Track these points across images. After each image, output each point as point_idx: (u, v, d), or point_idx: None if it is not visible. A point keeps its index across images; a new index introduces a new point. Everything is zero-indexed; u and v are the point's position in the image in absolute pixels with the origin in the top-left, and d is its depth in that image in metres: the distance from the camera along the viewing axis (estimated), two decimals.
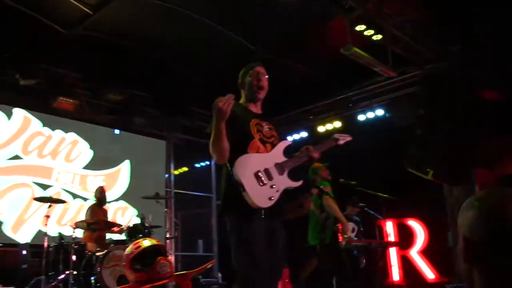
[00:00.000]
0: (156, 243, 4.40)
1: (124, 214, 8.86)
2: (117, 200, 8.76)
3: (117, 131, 9.17)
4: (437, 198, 7.62)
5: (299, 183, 3.07)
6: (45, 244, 6.13)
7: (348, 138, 3.38)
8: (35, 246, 6.84)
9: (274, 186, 2.92)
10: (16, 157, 7.76)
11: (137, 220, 8.47)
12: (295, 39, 7.05)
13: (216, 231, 10.05)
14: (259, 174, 2.90)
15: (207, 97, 8.17)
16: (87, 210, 7.08)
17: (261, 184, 2.87)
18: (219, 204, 8.70)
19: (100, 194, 7.14)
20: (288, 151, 3.11)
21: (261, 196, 2.85)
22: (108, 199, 7.40)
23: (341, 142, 3.35)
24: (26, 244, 7.05)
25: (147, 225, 6.51)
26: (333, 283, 5.50)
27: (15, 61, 7.28)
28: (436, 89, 6.64)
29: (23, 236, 7.55)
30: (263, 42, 7.10)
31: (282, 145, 3.09)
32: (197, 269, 4.33)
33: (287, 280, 5.28)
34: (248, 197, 2.81)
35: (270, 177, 2.92)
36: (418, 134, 6.92)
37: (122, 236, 6.79)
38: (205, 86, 7.99)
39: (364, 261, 6.79)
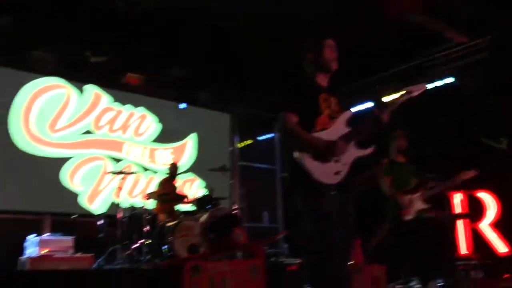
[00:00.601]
0: (231, 213, 4.46)
1: (191, 186, 9.07)
2: (185, 172, 8.93)
3: (182, 105, 9.32)
4: (509, 168, 7.27)
5: (369, 150, 2.97)
6: (119, 214, 6.45)
7: (423, 88, 3.10)
8: (109, 217, 7.14)
9: (340, 160, 2.86)
10: (89, 132, 8.08)
11: (204, 192, 8.80)
12: (360, 5, 6.83)
13: (281, 204, 10.09)
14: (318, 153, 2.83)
15: (271, 70, 8.24)
16: (159, 183, 7.29)
17: (324, 161, 2.82)
18: (283, 177, 8.74)
19: (173, 170, 7.31)
20: (352, 122, 2.99)
21: (326, 172, 2.81)
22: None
23: (415, 93, 3.07)
24: (101, 214, 7.34)
25: (214, 196, 6.63)
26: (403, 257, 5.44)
27: (86, 39, 7.45)
28: (509, 54, 6.27)
29: (98, 207, 7.91)
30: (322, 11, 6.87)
31: (344, 116, 2.99)
32: (270, 238, 4.36)
33: (359, 250, 5.22)
34: (314, 176, 2.78)
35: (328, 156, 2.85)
36: (491, 102, 6.60)
37: (191, 207, 6.99)
38: (269, 59, 7.89)
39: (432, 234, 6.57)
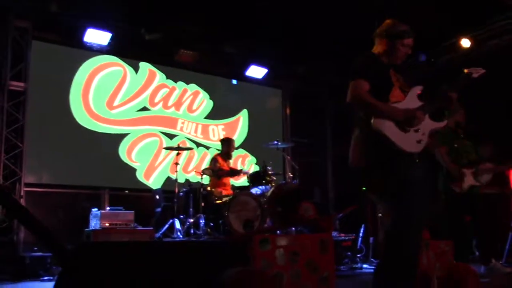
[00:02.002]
0: (298, 187, 4.43)
1: (244, 162, 9.14)
2: (237, 148, 8.84)
3: (234, 81, 9.33)
4: None
5: (444, 123, 3.03)
6: (176, 189, 6.52)
7: (482, 71, 3.14)
8: (166, 192, 7.27)
9: (419, 130, 2.88)
10: (144, 109, 8.20)
11: (257, 168, 8.83)
12: None
13: (331, 180, 10.03)
14: (398, 122, 2.85)
15: (322, 45, 8.07)
16: (212, 159, 7.31)
17: (404, 131, 2.85)
18: (334, 153, 8.56)
19: (227, 146, 7.28)
20: (422, 97, 3.03)
21: (408, 141, 2.83)
22: None
23: (475, 75, 3.12)
24: (159, 189, 7.48)
25: (270, 172, 6.61)
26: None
27: (141, 17, 7.56)
28: None
29: (155, 182, 8.06)
30: None
31: (415, 91, 3.02)
32: (339, 212, 4.32)
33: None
34: (396, 145, 2.79)
35: (408, 126, 2.89)
36: None
37: (245, 183, 7.06)
38: (320, 35, 7.82)
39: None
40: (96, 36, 7.50)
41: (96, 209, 6.19)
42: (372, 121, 2.84)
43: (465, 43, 7.92)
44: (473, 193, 5.44)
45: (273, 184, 6.52)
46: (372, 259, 6.95)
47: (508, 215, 6.86)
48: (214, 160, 7.19)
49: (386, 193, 2.87)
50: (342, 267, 6.44)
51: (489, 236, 5.48)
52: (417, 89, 3.03)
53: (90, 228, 5.76)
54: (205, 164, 8.24)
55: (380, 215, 7.01)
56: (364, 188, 3.06)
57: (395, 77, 3.06)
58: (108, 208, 6.57)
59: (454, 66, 8.09)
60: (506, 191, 7.30)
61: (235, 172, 7.10)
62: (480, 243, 5.53)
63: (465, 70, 3.15)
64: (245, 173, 7.12)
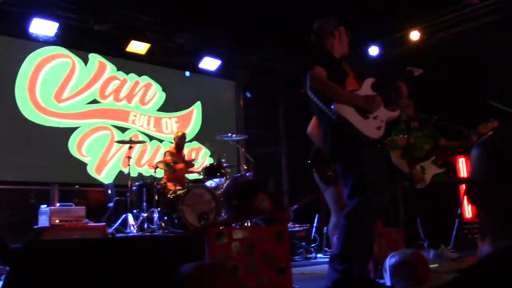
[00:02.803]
0: (253, 179, 4.44)
1: (198, 155, 9.05)
2: (190, 141, 8.90)
3: (187, 73, 9.22)
4: None
5: (398, 112, 3.23)
6: (129, 183, 6.42)
7: (420, 71, 3.37)
8: (118, 186, 7.15)
9: (377, 117, 3.00)
10: (95, 101, 7.98)
11: (211, 160, 8.78)
12: None
13: (286, 171, 10.09)
14: (359, 109, 2.97)
15: (274, 35, 8.08)
16: (165, 152, 7.26)
17: (365, 117, 2.96)
18: (289, 143, 8.62)
19: (180, 140, 7.29)
20: (374, 87, 3.16)
21: (370, 127, 2.94)
22: None
23: (416, 73, 3.34)
24: (110, 183, 7.31)
25: (224, 164, 6.61)
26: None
27: (89, 6, 7.36)
28: None
29: (107, 176, 7.88)
30: None
31: (368, 81, 3.14)
32: (294, 203, 4.35)
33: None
34: (358, 131, 2.89)
35: (368, 111, 3.00)
36: (501, 65, 6.49)
37: (199, 176, 6.93)
38: (272, 25, 7.81)
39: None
40: (42, 26, 7.19)
41: (45, 205, 5.99)
42: (333, 107, 2.90)
43: (414, 35, 8.12)
44: (435, 184, 5.54)
45: (228, 177, 6.52)
46: (326, 249, 7.05)
47: (455, 203, 7.11)
48: (167, 153, 7.15)
49: (347, 181, 2.95)
50: (296, 257, 6.51)
51: (436, 223, 5.64)
52: (370, 80, 3.14)
53: (39, 226, 5.57)
54: (159, 157, 8.11)
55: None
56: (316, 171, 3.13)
57: (347, 68, 3.20)
58: (58, 204, 6.37)
59: (405, 57, 8.30)
60: (453, 178, 7.55)
61: (189, 165, 7.07)
62: (429, 230, 5.67)
63: (408, 68, 3.37)
64: (199, 166, 7.09)
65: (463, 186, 8.09)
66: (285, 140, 10.25)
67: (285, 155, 10.20)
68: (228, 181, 6.18)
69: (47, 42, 7.50)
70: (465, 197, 8.10)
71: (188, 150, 8.55)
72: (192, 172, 7.28)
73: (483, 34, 7.36)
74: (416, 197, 5.56)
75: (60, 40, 7.59)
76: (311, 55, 3.17)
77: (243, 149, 8.01)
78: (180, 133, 7.42)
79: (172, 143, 7.51)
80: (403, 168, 5.47)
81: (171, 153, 7.13)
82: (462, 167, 8.63)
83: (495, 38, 6.93)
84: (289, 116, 10.11)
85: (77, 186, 7.70)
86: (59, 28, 7.31)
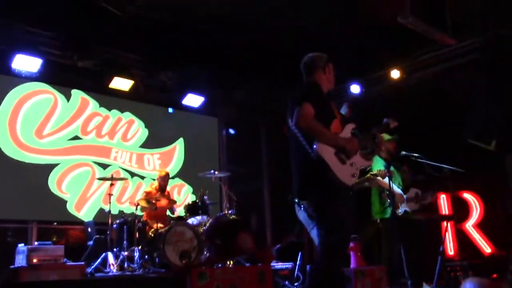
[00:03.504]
0: (236, 218, 4.41)
1: (180, 192, 9.00)
2: (172, 178, 8.83)
3: (170, 110, 9.26)
4: (494, 169, 7.34)
5: (371, 162, 3.55)
6: (109, 221, 6.34)
7: (396, 123, 3.57)
8: (98, 224, 7.04)
9: (353, 164, 3.05)
10: (76, 138, 7.94)
11: (193, 197, 8.74)
12: (348, 9, 6.86)
13: (268, 206, 10.06)
14: (339, 152, 3.01)
15: (259, 72, 8.22)
16: (147, 189, 7.20)
17: (342, 162, 2.99)
18: (271, 178, 8.62)
19: (163, 181, 7.27)
20: (354, 133, 3.25)
21: (345, 173, 2.97)
22: None
23: (392, 125, 3.54)
24: (90, 221, 7.20)
25: (206, 201, 6.61)
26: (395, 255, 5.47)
27: (73, 43, 7.40)
28: (500, 57, 6.34)
29: (87, 214, 7.76)
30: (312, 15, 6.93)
31: (350, 127, 3.21)
32: (279, 242, 4.32)
33: (359, 254, 5.24)
34: (334, 175, 2.92)
35: (347, 156, 3.05)
36: (479, 103, 6.63)
37: (181, 213, 6.96)
38: (256, 62, 7.92)
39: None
40: (25, 62, 7.14)
41: (22, 244, 5.85)
42: (315, 147, 2.93)
43: (395, 74, 8.29)
44: (406, 218, 5.63)
45: (210, 214, 6.50)
46: None
47: (437, 240, 7.13)
48: (149, 190, 7.11)
49: (322, 218, 3.02)
50: None
51: (419, 261, 5.64)
52: (351, 126, 3.21)
53: (16, 265, 5.42)
54: (140, 194, 8.02)
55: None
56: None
57: (335, 109, 3.26)
58: (36, 243, 6.28)
59: (385, 96, 8.47)
60: (434, 216, 7.61)
61: (170, 203, 7.01)
62: (411, 268, 5.67)
63: (385, 119, 3.55)
64: (180, 203, 7.04)
65: (445, 223, 8.15)
66: (267, 177, 10.23)
67: (268, 192, 10.17)
68: (210, 220, 6.14)
69: (29, 78, 7.49)
70: (447, 234, 8.16)
71: (170, 187, 8.46)
72: (173, 210, 7.21)
73: (460, 73, 7.56)
74: (398, 234, 5.57)
75: (43, 76, 7.58)
76: (300, 89, 3.20)
77: (225, 186, 7.97)
78: (163, 173, 7.37)
79: (154, 180, 7.45)
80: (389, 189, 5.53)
81: (152, 190, 7.11)
82: (444, 204, 8.73)
83: (471, 77, 7.12)
84: (272, 152, 10.13)
85: (55, 224, 7.58)
86: (42, 64, 7.28)
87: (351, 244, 4.88)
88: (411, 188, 5.96)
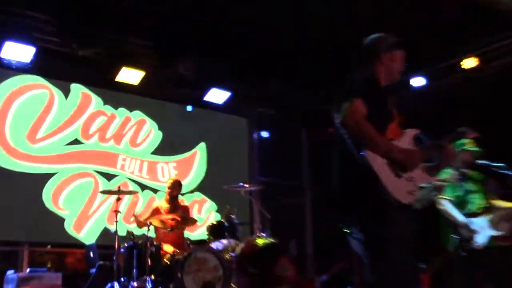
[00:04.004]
0: (273, 241, 4.39)
1: (201, 209, 9.12)
2: (191, 192, 8.99)
3: (189, 108, 9.38)
4: None
5: (435, 178, 3.30)
6: (116, 244, 6.40)
7: (476, 134, 3.56)
8: (102, 247, 7.21)
9: (412, 179, 3.00)
10: (76, 142, 8.15)
11: (218, 216, 8.87)
12: None
13: (310, 227, 10.12)
14: (393, 164, 2.97)
15: (295, 64, 8.17)
16: (157, 206, 7.28)
17: (397, 175, 2.96)
18: (314, 194, 8.59)
19: (175, 189, 7.23)
20: (416, 141, 3.20)
21: (400, 189, 2.92)
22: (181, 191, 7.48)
23: (470, 136, 3.57)
24: (93, 244, 7.35)
25: (234, 221, 6.67)
26: None
27: (72, 28, 7.58)
28: None
29: (88, 235, 7.94)
30: None
31: (411, 133, 3.18)
32: (326, 272, 4.27)
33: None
34: (386, 190, 2.89)
35: (403, 169, 3.00)
36: None
37: (202, 236, 7.08)
38: (294, 53, 8.04)
39: None
40: (16, 51, 7.35)
41: (12, 271, 6.05)
42: (363, 154, 2.93)
43: (469, 63, 8.26)
44: (490, 247, 5.47)
45: (238, 237, 6.53)
46: None
47: None
48: (162, 206, 7.17)
49: (367, 244, 3.01)
50: None
51: None
52: (413, 132, 3.17)
53: None
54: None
55: None
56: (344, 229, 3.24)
57: (394, 107, 3.21)
58: (27, 269, 6.43)
59: (455, 89, 8.42)
60: None
61: (189, 222, 7.04)
62: None
63: (461, 129, 3.46)
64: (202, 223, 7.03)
65: None
66: (309, 191, 10.29)
67: (310, 209, 10.23)
68: (240, 243, 6.21)
69: (21, 69, 7.70)
70: None
71: (189, 203, 8.57)
72: (194, 229, 7.28)
73: None
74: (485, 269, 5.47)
75: (37, 67, 7.77)
76: (351, 82, 3.16)
77: (257, 203, 8.01)
78: (171, 181, 7.34)
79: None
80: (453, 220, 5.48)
81: (166, 207, 7.15)
82: None
83: None
84: (315, 160, 10.07)
85: (49, 247, 7.77)
86: (36, 54, 7.47)
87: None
88: None
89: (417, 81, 8.78)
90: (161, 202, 7.27)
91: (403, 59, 3.37)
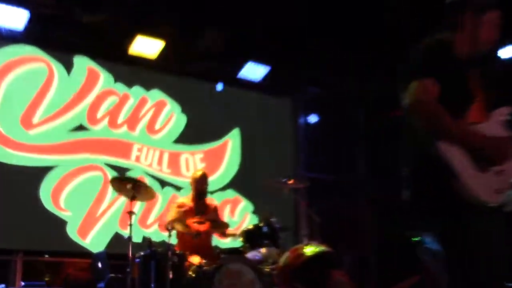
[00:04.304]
0: (325, 249, 4.33)
1: (234, 210, 9.04)
2: (223, 189, 8.89)
3: (219, 87, 9.29)
4: None
5: None
6: (129, 253, 6.17)
7: None
8: (113, 256, 7.09)
9: (502, 173, 2.90)
10: (81, 128, 8.08)
11: (255, 219, 8.81)
12: None
13: (370, 234, 9.96)
14: (475, 155, 2.87)
15: (350, 34, 8.04)
16: (179, 206, 7.09)
17: (481, 169, 2.86)
18: (373, 197, 8.39)
19: (200, 184, 7.08)
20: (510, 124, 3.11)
21: (484, 185, 2.83)
22: (209, 188, 7.41)
23: None
24: (102, 252, 7.26)
25: (275, 225, 6.54)
26: None
27: None
28: None
29: (95, 241, 7.85)
30: None
31: (500, 115, 3.06)
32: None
33: None
34: (465, 188, 2.81)
35: (490, 161, 2.91)
36: None
37: (236, 243, 6.96)
38: (349, 21, 7.89)
39: None
40: (7, 16, 7.30)
41: (3, 285, 5.97)
42: (437, 144, 2.86)
43: None
44: None
45: (281, 246, 6.42)
46: None
47: None
48: (178, 210, 6.97)
49: (442, 258, 2.94)
50: None
51: None
52: (504, 113, 3.06)
53: None
54: (175, 213, 7.99)
55: None
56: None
57: (476, 84, 3.08)
58: (22, 283, 6.52)
59: None
60: None
61: (220, 227, 6.91)
62: None
63: None
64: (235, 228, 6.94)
65: None
66: (368, 189, 10.11)
67: (369, 212, 10.06)
68: (283, 253, 5.94)
69: (12, 38, 7.65)
70: None
71: (220, 204, 8.41)
72: (225, 237, 7.20)
73: None
74: None
75: (32, 35, 7.72)
76: (419, 54, 3.05)
77: (304, 203, 7.79)
78: (198, 174, 7.22)
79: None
80: None
81: (191, 207, 6.97)
82: None
83: None
84: (375, 151, 10.02)
85: (46, 256, 7.71)
86: (30, 19, 7.41)
87: None
88: None
89: (508, 52, 8.39)
90: (185, 200, 7.13)
91: (497, 24, 3.17)
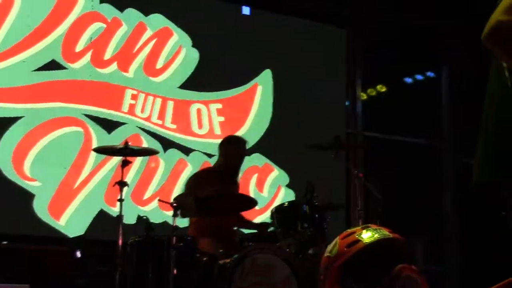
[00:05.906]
0: (389, 235, 4.36)
1: (264, 182, 9.12)
2: (248, 153, 8.70)
3: (246, 10, 9.34)
4: None
5: None
6: (120, 238, 6.34)
7: None
8: (97, 243, 7.30)
9: None
10: (53, 66, 8.12)
11: (291, 194, 8.87)
12: None
13: (452, 215, 10.13)
14: None
15: None
16: (196, 178, 7.30)
17: None
18: (464, 162, 8.59)
19: (234, 157, 7.27)
20: None
21: None
22: None
23: None
24: (81, 237, 7.49)
25: (319, 204, 6.60)
26: None
27: None
28: None
29: (73, 221, 7.94)
30: None
31: None
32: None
33: None
34: None
35: None
36: None
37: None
38: None
39: None
40: None
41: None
42: None
43: None
44: None
45: (324, 230, 6.56)
46: None
47: None
48: (198, 179, 7.20)
49: None
50: None
51: None
52: None
53: None
54: (183, 184, 7.91)
55: None
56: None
57: None
58: None
59: None
60: None
61: (245, 205, 7.02)
62: None
63: None
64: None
65: None
66: (451, 156, 10.27)
67: (452, 187, 10.25)
68: (336, 241, 6.08)
69: None
70: None
71: (243, 172, 8.44)
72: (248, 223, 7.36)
73: None
74: None
75: None
76: None
77: (360, 174, 7.90)
78: (234, 140, 7.45)
79: (210, 156, 7.48)
80: None
81: (205, 178, 7.19)
82: None
83: None
84: (459, 107, 10.15)
85: (5, 242, 7.70)
86: None
87: None
88: None
89: None
90: (209, 171, 7.46)
91: None
